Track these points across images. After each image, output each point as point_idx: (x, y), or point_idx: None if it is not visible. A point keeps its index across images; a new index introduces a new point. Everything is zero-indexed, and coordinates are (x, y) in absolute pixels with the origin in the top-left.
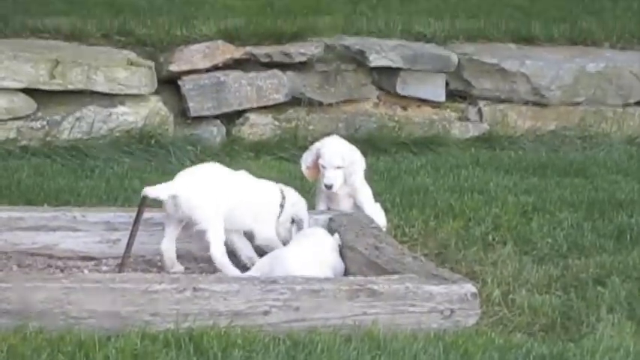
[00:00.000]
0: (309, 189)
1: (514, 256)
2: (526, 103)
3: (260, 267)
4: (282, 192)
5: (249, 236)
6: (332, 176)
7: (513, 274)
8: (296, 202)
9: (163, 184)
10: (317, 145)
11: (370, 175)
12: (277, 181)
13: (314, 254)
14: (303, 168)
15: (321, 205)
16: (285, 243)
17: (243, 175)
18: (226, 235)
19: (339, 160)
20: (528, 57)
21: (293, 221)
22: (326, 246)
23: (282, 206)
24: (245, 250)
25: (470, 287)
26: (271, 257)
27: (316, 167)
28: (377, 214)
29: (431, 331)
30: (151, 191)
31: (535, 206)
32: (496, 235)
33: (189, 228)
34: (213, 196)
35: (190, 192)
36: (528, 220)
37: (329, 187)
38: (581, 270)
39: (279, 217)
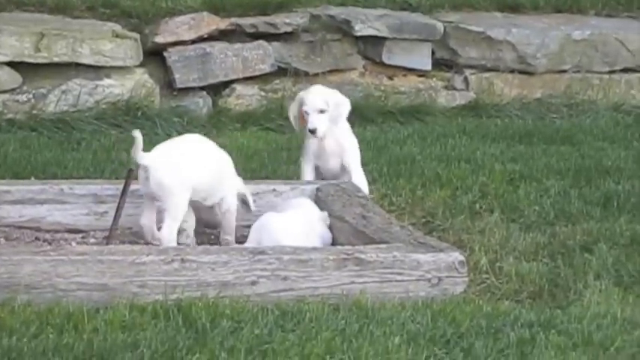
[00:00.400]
0: (295, 160)
1: (501, 224)
2: (512, 71)
3: (251, 238)
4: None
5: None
6: (315, 120)
7: (501, 242)
8: (239, 181)
9: (146, 155)
10: (301, 93)
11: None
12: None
13: (302, 223)
14: (291, 118)
15: (308, 165)
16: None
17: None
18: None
19: (322, 103)
20: (514, 25)
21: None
22: (313, 216)
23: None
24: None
25: (457, 255)
26: (259, 225)
27: (302, 116)
28: (362, 178)
29: (419, 300)
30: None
31: (522, 174)
32: (483, 204)
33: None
34: (184, 176)
35: (161, 172)
36: (515, 188)
37: (312, 131)
38: (568, 237)
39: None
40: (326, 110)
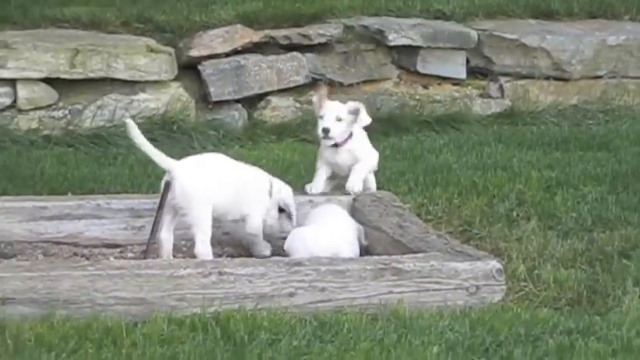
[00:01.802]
0: None
1: (539, 232)
2: (547, 78)
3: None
4: (270, 180)
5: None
6: (331, 122)
7: (538, 250)
8: (282, 188)
9: (171, 160)
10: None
11: (393, 155)
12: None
13: (337, 233)
14: (314, 98)
15: (322, 170)
16: (272, 231)
17: (235, 165)
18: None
19: (342, 111)
20: (548, 32)
21: (281, 210)
22: (347, 224)
23: (270, 194)
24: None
25: (495, 263)
26: (295, 237)
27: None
28: (371, 181)
29: (457, 308)
30: (160, 159)
31: (559, 181)
32: (520, 211)
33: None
34: (208, 188)
35: (186, 179)
36: (552, 195)
37: (326, 131)
38: (606, 243)
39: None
40: (343, 120)
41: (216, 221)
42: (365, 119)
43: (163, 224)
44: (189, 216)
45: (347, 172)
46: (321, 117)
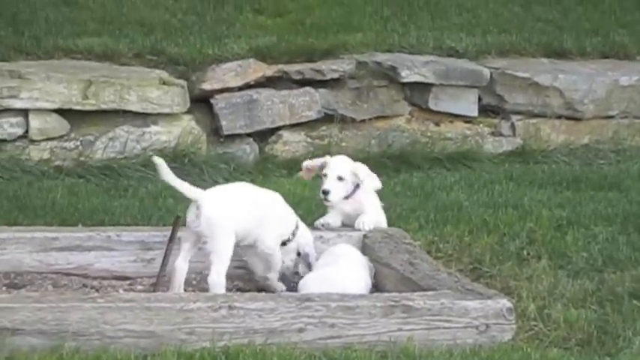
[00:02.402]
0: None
1: (549, 271)
2: (559, 117)
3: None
4: (297, 222)
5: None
6: (332, 184)
7: (548, 289)
8: (306, 235)
9: (198, 190)
10: (327, 157)
11: (404, 191)
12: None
13: (356, 272)
14: (303, 165)
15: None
16: (287, 272)
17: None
18: (243, 250)
19: (344, 171)
20: (561, 71)
21: (299, 254)
22: (361, 263)
23: (293, 234)
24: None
25: (505, 302)
26: (319, 279)
27: (312, 170)
28: (382, 218)
29: (467, 347)
30: (187, 189)
31: (570, 220)
32: (531, 250)
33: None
34: (233, 217)
35: (213, 208)
36: (563, 235)
37: (326, 193)
38: (617, 284)
39: (286, 244)
40: (345, 179)
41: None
42: (370, 184)
43: (181, 252)
44: (210, 244)
45: (352, 219)
46: (325, 175)
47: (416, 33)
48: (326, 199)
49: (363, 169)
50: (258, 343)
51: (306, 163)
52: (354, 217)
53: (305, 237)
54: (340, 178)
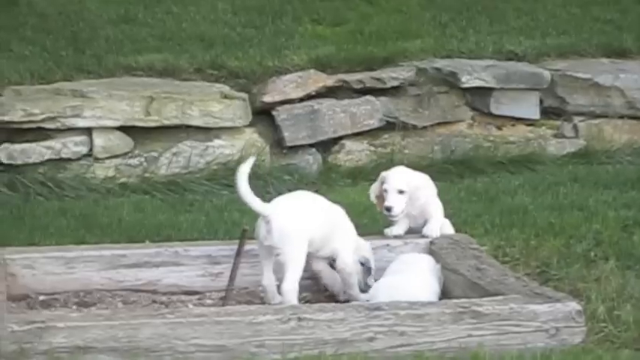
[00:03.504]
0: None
1: (617, 272)
2: (621, 116)
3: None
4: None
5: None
6: (393, 199)
7: (617, 290)
8: (360, 242)
9: (267, 204)
10: (383, 173)
11: (468, 197)
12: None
13: (425, 280)
14: (372, 198)
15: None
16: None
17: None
18: (316, 266)
19: (403, 184)
20: (622, 70)
21: (362, 264)
22: (431, 271)
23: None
24: (336, 286)
25: (574, 305)
26: (388, 286)
27: (380, 196)
28: (447, 227)
29: (537, 351)
30: (258, 205)
31: (636, 220)
32: (598, 251)
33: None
34: (305, 227)
35: (284, 220)
36: (630, 235)
37: (388, 209)
38: None
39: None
40: (405, 191)
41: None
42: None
43: (263, 272)
44: (283, 255)
45: (421, 224)
46: (385, 191)
47: (475, 38)
48: (390, 216)
49: (419, 180)
50: (329, 354)
51: (373, 195)
52: (420, 219)
53: (360, 243)
54: (401, 192)
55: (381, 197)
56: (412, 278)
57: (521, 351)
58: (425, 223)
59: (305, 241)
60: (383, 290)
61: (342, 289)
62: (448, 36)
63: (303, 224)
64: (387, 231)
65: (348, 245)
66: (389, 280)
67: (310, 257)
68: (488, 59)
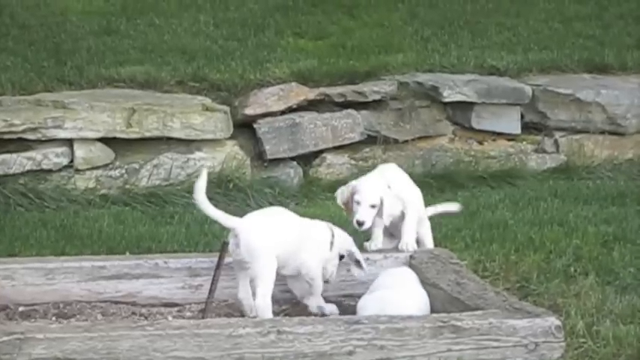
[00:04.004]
0: None
1: (597, 287)
2: (602, 132)
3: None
4: (331, 230)
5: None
6: (365, 214)
7: (597, 305)
8: (344, 238)
9: (235, 218)
10: (354, 182)
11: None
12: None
13: (416, 293)
14: (338, 201)
15: (378, 228)
16: (330, 279)
17: (298, 219)
18: (291, 285)
19: (376, 198)
20: (603, 86)
21: (341, 257)
22: (418, 282)
23: (332, 243)
24: (312, 300)
25: (554, 320)
26: (378, 300)
27: (349, 204)
28: (427, 238)
29: None
30: (223, 218)
31: (616, 236)
32: (578, 267)
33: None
34: (271, 241)
35: (250, 234)
36: (609, 250)
37: (361, 223)
38: None
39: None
40: (377, 206)
41: (280, 277)
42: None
43: (239, 284)
44: (253, 269)
45: (397, 221)
46: (358, 203)
47: (457, 52)
48: (360, 229)
49: (391, 199)
50: None
51: (340, 200)
52: (397, 223)
53: (342, 237)
54: (373, 206)
55: (348, 206)
56: (403, 292)
57: None
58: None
59: (272, 255)
60: (372, 305)
61: (307, 295)
62: (430, 50)
63: (270, 239)
64: (368, 245)
65: (315, 254)
66: (378, 294)
67: None
68: (470, 74)
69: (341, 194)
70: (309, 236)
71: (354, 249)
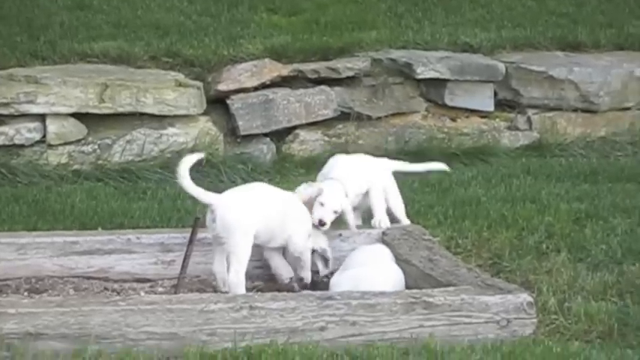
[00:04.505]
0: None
1: (568, 264)
2: (575, 110)
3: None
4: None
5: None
6: (328, 217)
7: (568, 282)
8: (318, 232)
9: (212, 194)
10: (320, 185)
11: (422, 188)
12: None
13: (391, 269)
14: (299, 198)
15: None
16: (328, 255)
17: (285, 194)
18: (267, 254)
19: (339, 206)
20: (576, 64)
21: (313, 252)
22: (391, 259)
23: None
24: (285, 272)
25: (525, 297)
26: (352, 278)
27: (311, 202)
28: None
29: (488, 342)
30: (201, 194)
31: (588, 213)
32: (550, 244)
33: None
34: (247, 218)
35: (226, 210)
36: (582, 227)
37: (323, 224)
38: (637, 275)
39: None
40: (338, 212)
41: (255, 253)
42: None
43: (215, 257)
44: (228, 245)
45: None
46: (322, 204)
47: (430, 29)
48: (320, 229)
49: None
50: (280, 343)
51: (303, 196)
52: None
53: (317, 234)
54: (335, 212)
55: (309, 205)
56: (377, 269)
57: (472, 342)
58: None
59: (249, 232)
60: (346, 282)
61: (294, 274)
62: (403, 27)
63: (247, 216)
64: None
65: (301, 230)
66: (352, 272)
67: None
68: (444, 51)
69: (304, 191)
70: (292, 210)
71: (327, 247)
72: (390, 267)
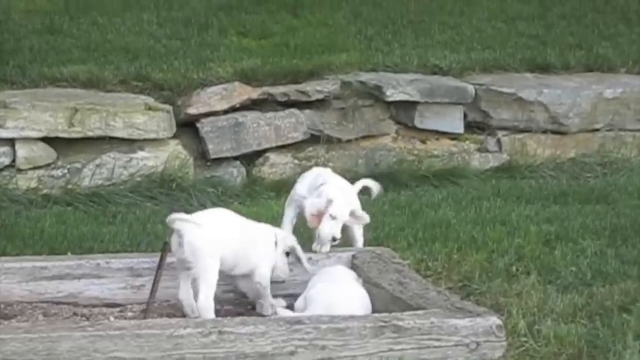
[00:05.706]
0: None
1: (538, 286)
2: (545, 131)
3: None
4: (274, 232)
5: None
6: (339, 232)
7: (538, 305)
8: (284, 236)
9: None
10: (330, 196)
11: (392, 210)
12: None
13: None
14: (309, 213)
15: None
16: (284, 276)
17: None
18: (235, 281)
19: (347, 215)
20: (545, 85)
21: (287, 254)
22: (356, 280)
23: (275, 243)
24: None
25: (495, 320)
26: (326, 292)
27: (321, 215)
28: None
29: None
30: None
31: (558, 235)
32: (520, 266)
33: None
34: (214, 241)
35: (194, 235)
36: (551, 250)
37: (335, 240)
38: (606, 297)
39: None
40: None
41: (224, 277)
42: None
43: (180, 284)
44: (196, 269)
45: None
46: (333, 217)
47: (400, 51)
48: (332, 244)
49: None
50: None
51: (311, 210)
52: None
53: (283, 235)
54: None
55: (320, 218)
56: (346, 287)
57: None
58: None
59: (216, 256)
60: (321, 297)
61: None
62: (373, 49)
63: (213, 240)
64: (316, 247)
65: (267, 261)
66: (326, 286)
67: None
68: (413, 73)
69: (311, 206)
70: (254, 238)
71: (297, 245)
72: (355, 287)
